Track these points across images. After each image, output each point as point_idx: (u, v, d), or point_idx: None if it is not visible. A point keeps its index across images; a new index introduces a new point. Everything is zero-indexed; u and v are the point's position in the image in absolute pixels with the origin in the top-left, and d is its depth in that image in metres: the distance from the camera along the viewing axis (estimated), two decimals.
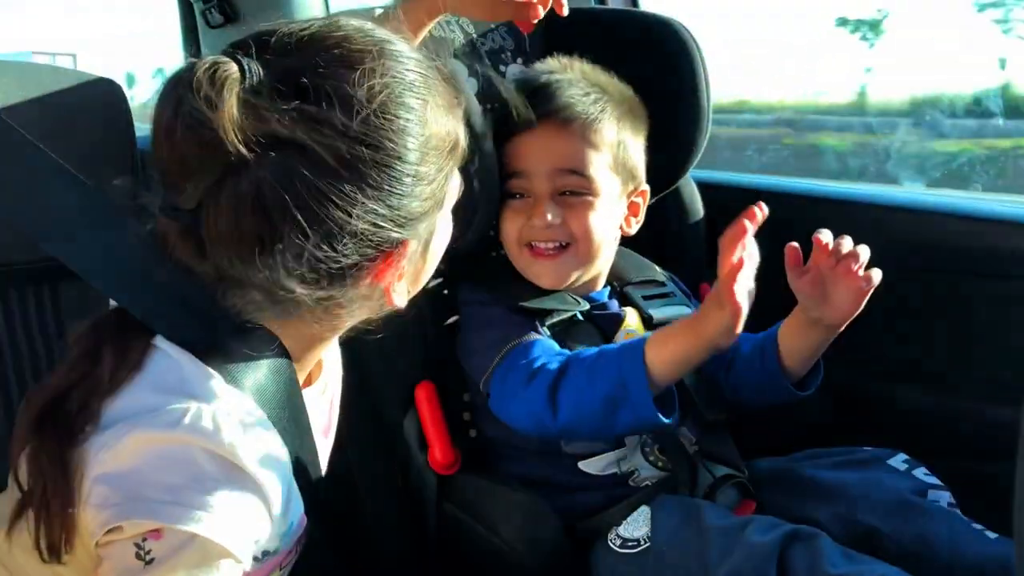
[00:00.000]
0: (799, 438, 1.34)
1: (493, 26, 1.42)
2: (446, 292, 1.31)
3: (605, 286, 1.31)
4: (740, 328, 0.99)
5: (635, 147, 1.27)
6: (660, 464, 1.21)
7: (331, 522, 1.26)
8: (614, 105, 1.24)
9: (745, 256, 0.99)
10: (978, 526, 1.11)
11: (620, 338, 1.25)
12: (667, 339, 1.05)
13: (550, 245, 1.22)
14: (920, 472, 1.19)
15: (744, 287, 0.97)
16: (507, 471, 1.24)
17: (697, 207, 1.51)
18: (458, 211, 1.19)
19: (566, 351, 1.15)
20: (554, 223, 1.19)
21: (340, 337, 0.97)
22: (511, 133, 1.22)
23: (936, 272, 1.43)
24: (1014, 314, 1.36)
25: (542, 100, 1.21)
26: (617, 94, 1.27)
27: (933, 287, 1.43)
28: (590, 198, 1.21)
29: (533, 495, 1.17)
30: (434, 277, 1.32)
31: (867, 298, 1.12)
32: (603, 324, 1.26)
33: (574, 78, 1.25)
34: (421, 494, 1.25)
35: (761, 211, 1.02)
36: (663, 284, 1.36)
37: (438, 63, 0.85)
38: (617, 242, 1.30)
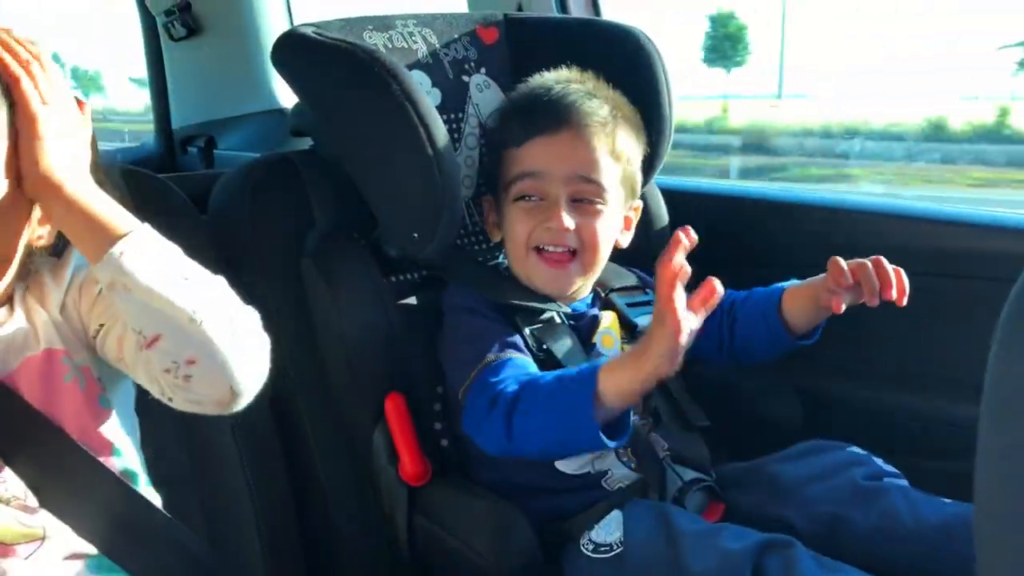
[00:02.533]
0: (768, 441, 1.34)
1: (456, 36, 1.42)
2: (414, 301, 1.31)
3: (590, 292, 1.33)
4: (683, 346, 0.98)
5: (638, 163, 1.30)
6: (634, 465, 1.22)
7: (303, 538, 1.26)
8: (625, 120, 1.27)
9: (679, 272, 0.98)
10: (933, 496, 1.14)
11: (597, 339, 1.27)
12: (616, 368, 1.04)
13: (560, 250, 1.23)
14: (878, 460, 1.22)
15: (681, 301, 0.97)
16: (482, 478, 1.24)
17: (662, 213, 1.52)
18: (421, 218, 1.19)
19: (531, 374, 1.15)
20: (570, 228, 1.21)
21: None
22: (526, 137, 1.23)
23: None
24: (975, 314, 1.37)
25: (564, 107, 1.23)
26: (628, 110, 1.29)
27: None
28: (601, 207, 1.24)
29: (504, 504, 1.17)
30: (401, 282, 1.33)
31: None
32: (581, 327, 1.27)
33: (592, 90, 1.26)
34: (392, 507, 1.24)
35: (688, 237, 1.00)
36: (644, 291, 1.38)
37: None
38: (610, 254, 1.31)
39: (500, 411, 1.09)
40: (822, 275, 1.21)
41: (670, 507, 1.16)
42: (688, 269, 0.98)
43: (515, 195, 1.24)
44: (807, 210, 1.56)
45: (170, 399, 0.87)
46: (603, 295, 1.34)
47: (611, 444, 1.06)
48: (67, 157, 0.87)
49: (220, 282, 0.89)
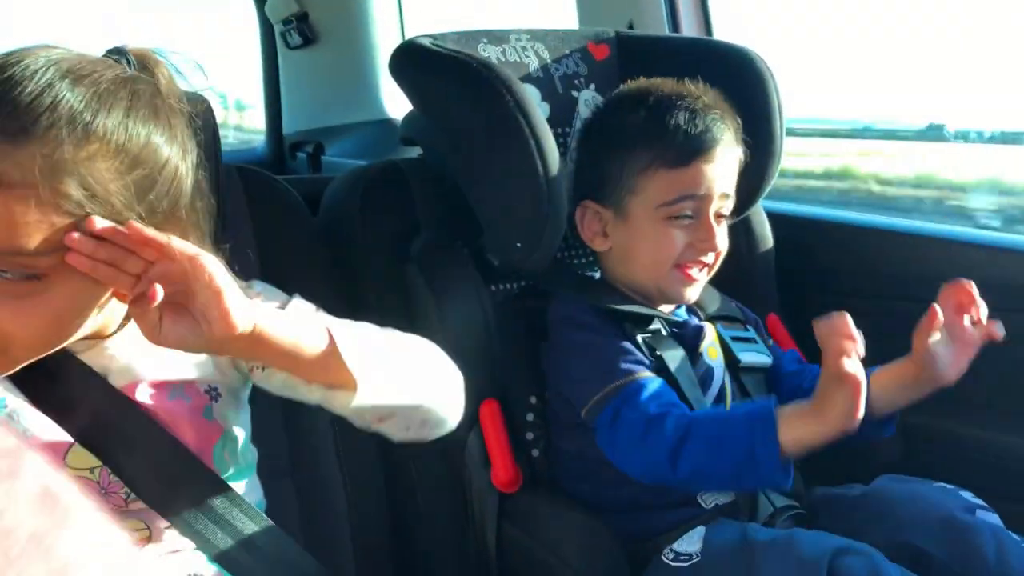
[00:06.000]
0: (857, 469, 1.31)
1: (567, 51, 1.44)
2: (514, 310, 1.32)
3: (679, 306, 1.32)
4: (862, 406, 0.98)
5: None
6: None
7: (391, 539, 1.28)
8: None
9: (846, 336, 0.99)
10: None
11: (704, 350, 1.26)
12: (796, 422, 1.04)
13: (700, 266, 1.25)
14: (967, 494, 1.18)
15: (855, 362, 0.98)
16: (577, 490, 1.24)
17: (767, 236, 1.51)
18: (526, 228, 1.21)
19: (680, 404, 1.15)
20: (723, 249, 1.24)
21: None
22: (689, 159, 1.21)
23: (1012, 311, 1.40)
24: None
25: (712, 125, 1.22)
26: None
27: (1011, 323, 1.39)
28: (725, 220, 1.26)
29: (594, 519, 1.17)
30: (501, 291, 1.34)
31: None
32: (686, 336, 1.27)
33: (716, 104, 1.26)
34: (482, 512, 1.25)
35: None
36: (745, 327, 1.37)
37: None
38: None
39: (662, 444, 1.08)
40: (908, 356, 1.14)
41: (751, 524, 1.15)
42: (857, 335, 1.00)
43: (673, 214, 1.22)
44: (917, 241, 1.52)
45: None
46: (701, 317, 1.33)
47: (786, 484, 1.06)
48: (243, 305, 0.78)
49: (416, 342, 0.95)
